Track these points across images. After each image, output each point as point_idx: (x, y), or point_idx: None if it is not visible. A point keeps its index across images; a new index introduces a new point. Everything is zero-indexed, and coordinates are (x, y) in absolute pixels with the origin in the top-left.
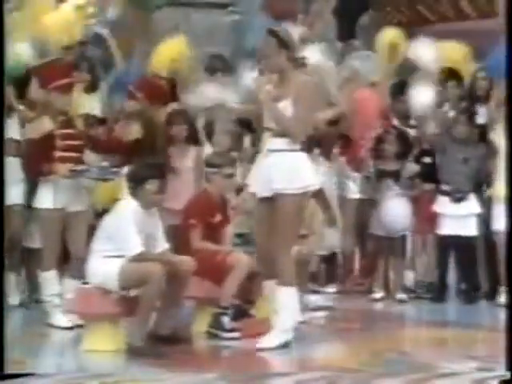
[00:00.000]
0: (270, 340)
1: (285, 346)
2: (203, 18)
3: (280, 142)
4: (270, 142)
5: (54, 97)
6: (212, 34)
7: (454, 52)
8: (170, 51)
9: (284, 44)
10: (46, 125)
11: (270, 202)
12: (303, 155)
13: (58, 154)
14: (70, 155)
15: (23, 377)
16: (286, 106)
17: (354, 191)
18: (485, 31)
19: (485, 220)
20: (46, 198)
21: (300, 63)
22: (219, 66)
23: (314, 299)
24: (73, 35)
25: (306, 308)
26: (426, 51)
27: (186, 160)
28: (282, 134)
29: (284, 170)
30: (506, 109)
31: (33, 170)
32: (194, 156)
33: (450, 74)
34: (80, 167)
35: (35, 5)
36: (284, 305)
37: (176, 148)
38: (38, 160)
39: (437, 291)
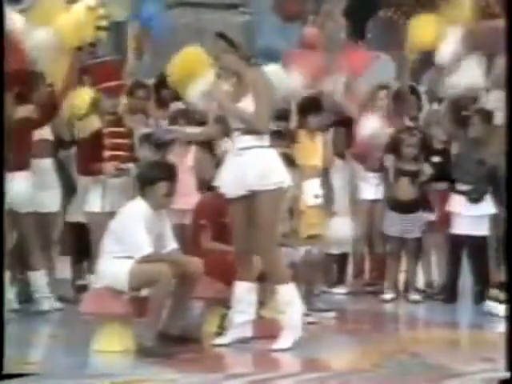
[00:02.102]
0: (283, 341)
1: (296, 343)
2: (214, 19)
3: (249, 140)
4: (239, 141)
5: (103, 98)
6: None
7: None
8: (184, 63)
9: (232, 44)
10: (94, 123)
11: (245, 201)
12: (273, 151)
13: (107, 152)
14: (119, 154)
15: (23, 377)
16: (247, 104)
17: (367, 192)
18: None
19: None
20: (95, 201)
21: (253, 63)
22: None
23: None
24: (84, 36)
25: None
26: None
27: (188, 159)
28: (248, 131)
29: (257, 167)
30: (506, 108)
31: (83, 170)
32: (195, 155)
33: None
34: (126, 165)
35: (46, 6)
36: (286, 303)
37: (178, 147)
38: (89, 159)
39: (448, 292)
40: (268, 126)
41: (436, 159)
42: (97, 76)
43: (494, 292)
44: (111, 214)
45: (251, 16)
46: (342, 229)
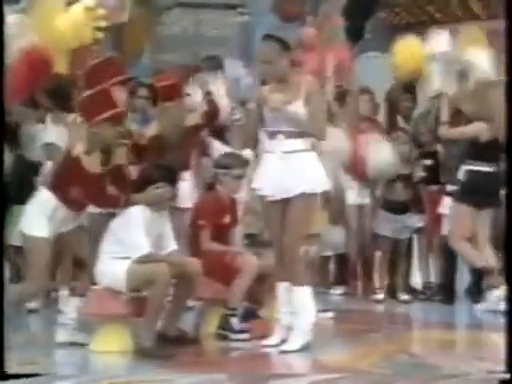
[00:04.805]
0: (291, 343)
1: (304, 348)
2: (212, 20)
3: (294, 144)
4: (283, 144)
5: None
6: (221, 35)
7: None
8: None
9: (287, 46)
10: None
11: (283, 202)
12: (314, 155)
13: None
14: None
15: (24, 377)
16: (297, 109)
17: (353, 198)
18: (494, 31)
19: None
20: None
21: (297, 62)
22: (213, 67)
23: None
24: (82, 37)
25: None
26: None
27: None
28: (295, 135)
29: (298, 170)
30: (506, 109)
31: None
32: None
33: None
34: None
35: (45, 7)
36: (300, 305)
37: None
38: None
39: (446, 292)
40: (325, 132)
41: (428, 162)
42: (102, 74)
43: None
44: (111, 215)
45: (250, 16)
46: (333, 231)
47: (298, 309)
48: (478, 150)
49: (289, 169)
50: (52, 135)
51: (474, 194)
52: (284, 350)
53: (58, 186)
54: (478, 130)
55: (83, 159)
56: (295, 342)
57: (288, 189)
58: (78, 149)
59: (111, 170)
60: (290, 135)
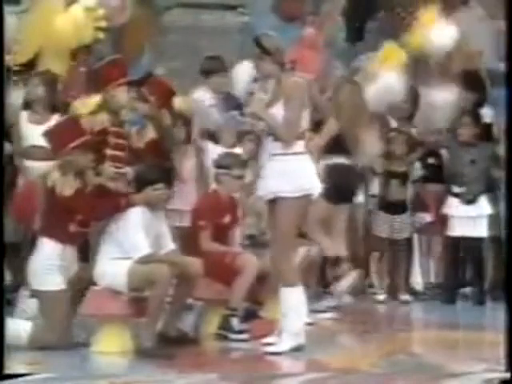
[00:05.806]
0: (280, 344)
1: (297, 349)
2: (213, 20)
3: (279, 146)
4: (272, 146)
5: (112, 95)
6: (221, 35)
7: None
8: None
9: (266, 50)
10: (104, 121)
11: (273, 204)
12: (305, 158)
13: (110, 151)
14: (118, 154)
15: (23, 377)
16: (278, 110)
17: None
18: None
19: (495, 220)
20: None
21: (288, 67)
22: (214, 68)
23: None
24: (82, 37)
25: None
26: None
27: (186, 160)
28: (277, 138)
29: (283, 173)
30: (506, 109)
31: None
32: (193, 156)
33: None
34: (125, 168)
35: (45, 7)
36: (290, 306)
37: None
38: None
39: (447, 292)
40: (294, 135)
41: (431, 160)
42: (107, 75)
43: None
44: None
45: (250, 16)
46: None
47: (287, 310)
48: (330, 142)
49: (272, 171)
50: (35, 136)
51: (331, 189)
52: (271, 351)
53: (52, 225)
54: (330, 127)
55: (60, 185)
56: (283, 344)
57: (271, 190)
58: (54, 176)
59: (93, 191)
60: (276, 137)
